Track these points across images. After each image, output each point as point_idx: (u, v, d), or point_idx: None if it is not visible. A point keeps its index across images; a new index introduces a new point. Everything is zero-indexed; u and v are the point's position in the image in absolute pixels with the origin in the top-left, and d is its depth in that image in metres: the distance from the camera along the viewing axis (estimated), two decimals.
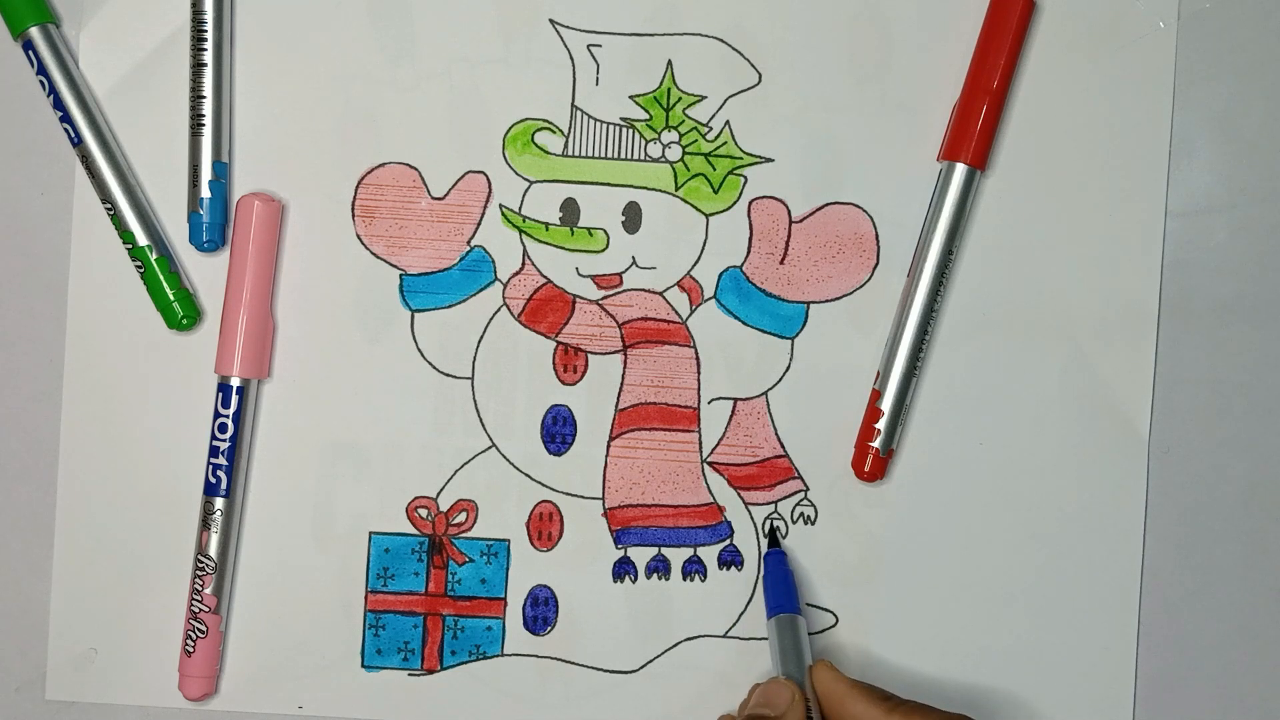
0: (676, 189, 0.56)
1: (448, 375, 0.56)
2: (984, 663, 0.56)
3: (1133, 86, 0.56)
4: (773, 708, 0.49)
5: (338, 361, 0.56)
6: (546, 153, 0.56)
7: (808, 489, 0.57)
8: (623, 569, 0.57)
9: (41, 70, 0.55)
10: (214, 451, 0.55)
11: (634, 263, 0.57)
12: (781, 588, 0.55)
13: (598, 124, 0.56)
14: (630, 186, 0.56)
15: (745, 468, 0.57)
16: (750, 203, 0.57)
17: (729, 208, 0.57)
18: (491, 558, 0.57)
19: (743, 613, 0.57)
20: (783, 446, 0.57)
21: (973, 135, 0.55)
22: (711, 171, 0.56)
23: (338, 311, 0.56)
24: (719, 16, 0.56)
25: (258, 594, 0.56)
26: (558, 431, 0.57)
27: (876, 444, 0.55)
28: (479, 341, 0.56)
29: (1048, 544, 0.56)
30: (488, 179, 0.56)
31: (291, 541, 0.56)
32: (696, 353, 0.57)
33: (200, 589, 0.55)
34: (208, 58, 0.55)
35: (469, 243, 0.56)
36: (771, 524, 0.56)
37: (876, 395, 0.56)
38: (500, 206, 0.56)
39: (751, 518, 0.57)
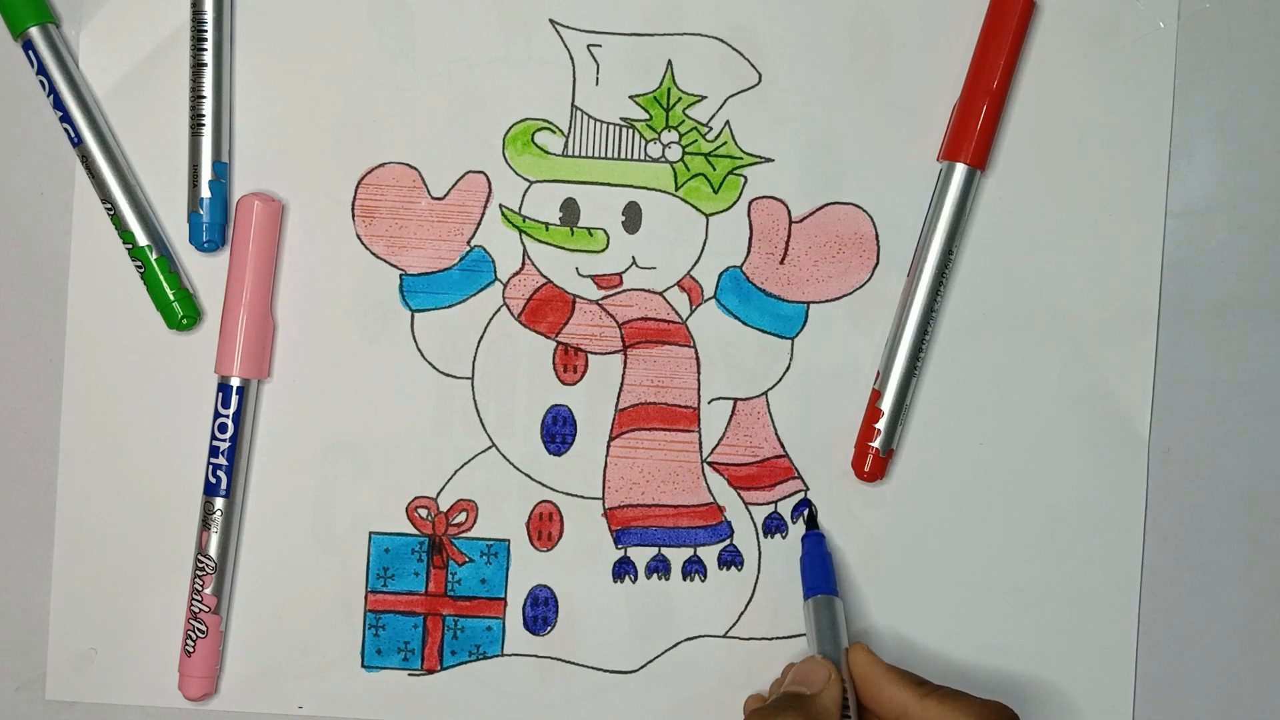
0: (676, 189, 0.56)
1: (448, 375, 0.56)
2: (983, 662, 0.56)
3: (1133, 86, 0.56)
4: (809, 685, 0.49)
5: (338, 361, 0.56)
6: (546, 153, 0.56)
7: (808, 489, 0.57)
8: (623, 569, 0.57)
9: (41, 70, 0.55)
10: (214, 451, 0.55)
11: (634, 263, 0.57)
12: (820, 569, 0.55)
13: (598, 124, 0.56)
14: (630, 186, 0.56)
15: (745, 468, 0.57)
16: (750, 203, 0.56)
17: (729, 208, 0.57)
18: (491, 558, 0.57)
19: (743, 613, 0.57)
20: (783, 446, 0.57)
21: (973, 135, 0.55)
22: (711, 171, 0.56)
23: (338, 311, 0.56)
24: (719, 16, 0.56)
25: (258, 594, 0.56)
26: (558, 431, 0.57)
27: (876, 444, 0.55)
28: (479, 341, 0.56)
29: (1048, 544, 0.56)
30: (488, 179, 0.56)
31: (291, 541, 0.56)
32: (696, 353, 0.57)
33: (200, 589, 0.55)
34: (208, 58, 0.55)
35: (469, 243, 0.56)
36: (810, 505, 0.56)
37: (876, 395, 0.56)
38: (500, 206, 0.56)
39: (751, 518, 0.57)
